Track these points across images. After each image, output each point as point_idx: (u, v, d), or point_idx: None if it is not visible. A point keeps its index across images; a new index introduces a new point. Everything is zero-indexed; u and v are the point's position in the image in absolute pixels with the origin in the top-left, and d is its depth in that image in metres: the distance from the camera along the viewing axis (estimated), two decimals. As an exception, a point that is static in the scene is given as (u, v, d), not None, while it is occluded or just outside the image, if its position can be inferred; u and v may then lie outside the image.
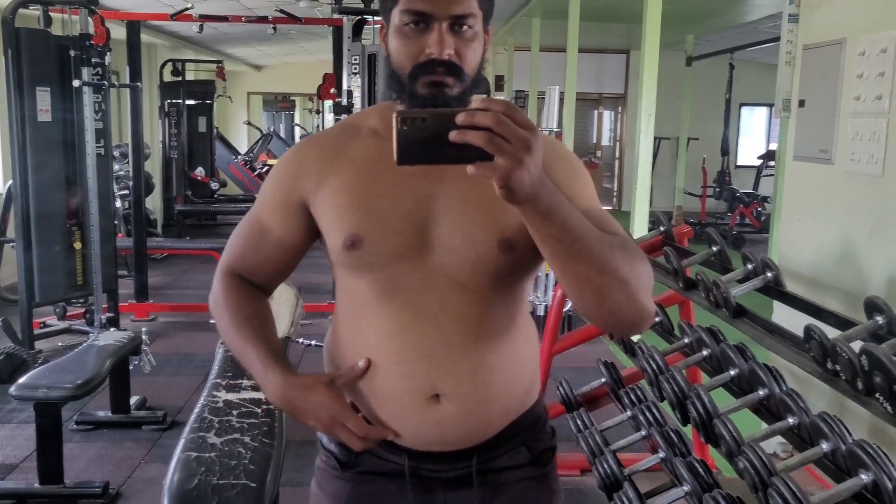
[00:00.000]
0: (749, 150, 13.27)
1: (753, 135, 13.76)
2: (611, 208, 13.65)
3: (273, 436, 2.28)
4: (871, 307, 1.62)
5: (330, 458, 1.33)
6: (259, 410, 2.38)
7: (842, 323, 1.74)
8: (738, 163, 13.09)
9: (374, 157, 1.22)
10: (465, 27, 1.13)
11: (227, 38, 9.91)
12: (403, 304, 1.19)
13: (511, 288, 1.24)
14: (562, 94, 6.36)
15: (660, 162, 12.01)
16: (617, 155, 14.34)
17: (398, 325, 1.20)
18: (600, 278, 1.02)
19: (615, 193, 14.11)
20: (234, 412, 2.35)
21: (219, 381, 2.63)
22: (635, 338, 2.53)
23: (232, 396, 2.46)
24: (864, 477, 1.43)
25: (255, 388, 2.50)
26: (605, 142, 15.10)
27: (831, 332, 1.65)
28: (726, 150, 11.51)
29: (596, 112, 14.91)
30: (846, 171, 2.32)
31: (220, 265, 1.35)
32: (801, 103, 2.61)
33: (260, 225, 1.30)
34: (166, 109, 10.08)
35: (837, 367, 1.54)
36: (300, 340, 4.86)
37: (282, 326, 2.96)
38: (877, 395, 1.41)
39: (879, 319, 1.60)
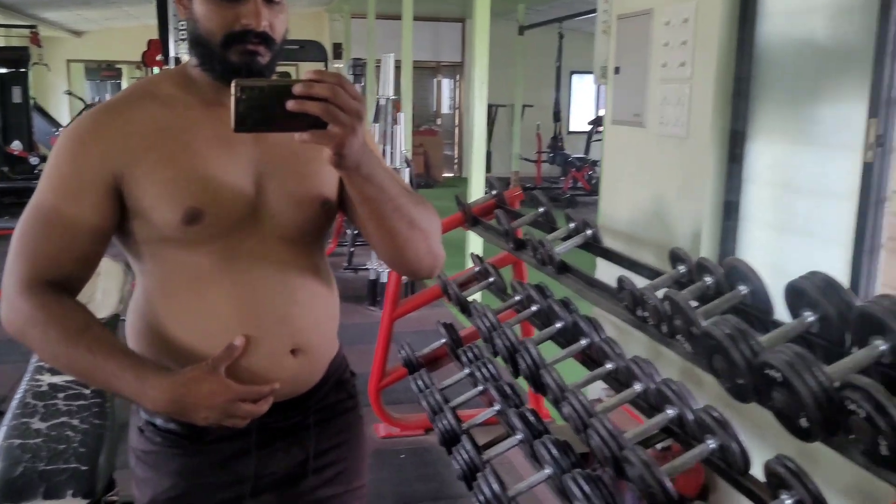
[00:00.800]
0: (580, 116, 13.84)
1: (584, 101, 14.36)
2: (452, 175, 13.88)
3: (105, 416, 2.19)
4: (675, 258, 1.77)
5: (168, 438, 1.28)
6: (87, 391, 2.28)
7: (652, 274, 1.89)
8: (571, 129, 13.64)
9: (188, 125, 1.21)
10: (276, 0, 1.17)
11: (42, 1, 9.19)
12: (248, 269, 1.22)
13: (322, 242, 1.36)
14: (398, 62, 6.38)
15: (497, 129, 12.34)
16: (456, 122, 14.56)
17: (246, 290, 1.22)
18: (409, 231, 1.18)
19: (456, 160, 14.35)
20: (61, 395, 2.24)
21: (41, 364, 2.49)
22: (470, 298, 2.63)
23: (57, 379, 2.34)
24: (670, 411, 1.57)
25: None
26: (444, 110, 15.29)
27: (641, 282, 1.78)
28: (558, 116, 11.98)
29: (435, 80, 15.06)
30: (657, 134, 2.49)
31: (13, 281, 1.17)
32: (617, 70, 2.77)
33: (61, 217, 1.17)
34: (-27, 79, 9.26)
35: (646, 314, 1.67)
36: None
37: (110, 304, 2.84)
38: (678, 336, 1.54)
39: (681, 268, 1.75)
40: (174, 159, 1.17)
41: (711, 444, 1.43)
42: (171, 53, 4.96)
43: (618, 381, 1.85)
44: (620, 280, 1.77)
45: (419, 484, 3.01)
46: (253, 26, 1.14)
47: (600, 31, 2.90)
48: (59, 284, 1.18)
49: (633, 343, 1.88)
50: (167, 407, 1.14)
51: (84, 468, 1.99)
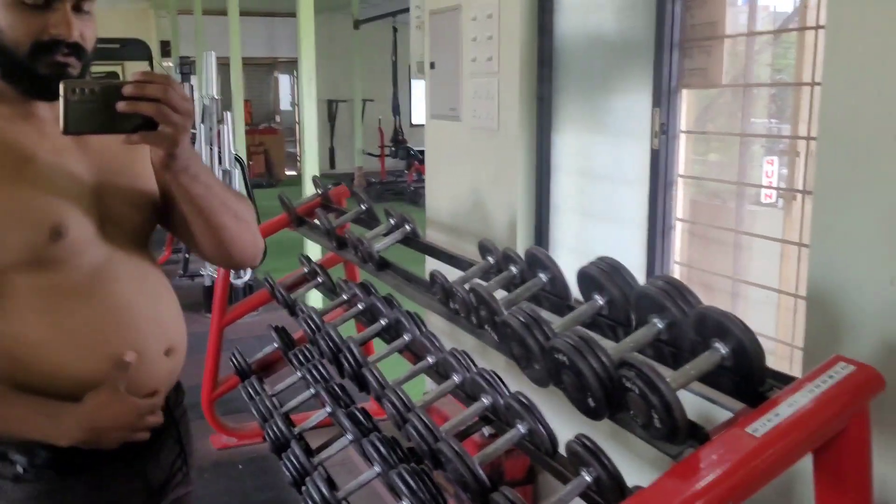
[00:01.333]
0: (422, 110, 13.94)
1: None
2: (296, 173, 13.67)
3: None
4: (483, 249, 1.81)
5: (62, 470, 1.19)
6: None
7: (469, 266, 1.93)
8: (414, 121, 13.75)
9: (20, 139, 1.13)
10: (86, 9, 1.14)
11: None
12: (111, 277, 1.20)
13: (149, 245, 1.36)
14: (227, 59, 6.20)
15: (339, 124, 12.27)
16: (297, 119, 14.34)
17: (117, 299, 1.20)
18: (236, 224, 1.24)
19: (298, 158, 14.13)
20: None
21: None
22: (315, 300, 2.59)
23: None
24: (485, 400, 1.61)
25: None
26: (284, 106, 15.04)
27: (453, 273, 1.82)
28: (397, 110, 12.05)
29: (272, 77, 14.78)
30: (471, 127, 2.55)
31: None
32: (433, 65, 2.81)
33: None
34: None
35: (457, 306, 1.70)
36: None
37: None
38: (485, 326, 1.58)
39: (490, 259, 1.80)
40: (22, 176, 1.10)
41: (521, 428, 1.47)
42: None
43: (438, 374, 1.88)
44: (432, 274, 1.80)
45: (257, 494, 2.95)
46: (63, 36, 1.09)
47: (414, 26, 2.93)
48: None
49: (460, 335, 1.92)
50: (84, 436, 1.14)
51: None
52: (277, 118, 14.71)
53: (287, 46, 13.62)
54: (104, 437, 1.16)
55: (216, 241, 1.25)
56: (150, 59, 8.13)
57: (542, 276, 1.58)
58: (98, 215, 1.19)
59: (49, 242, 1.11)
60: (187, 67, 8.52)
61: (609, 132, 2.10)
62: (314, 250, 4.57)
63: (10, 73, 1.11)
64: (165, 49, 11.66)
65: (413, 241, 2.25)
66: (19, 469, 1.16)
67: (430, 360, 1.89)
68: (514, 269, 1.69)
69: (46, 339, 1.15)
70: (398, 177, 11.99)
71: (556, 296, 1.56)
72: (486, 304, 1.53)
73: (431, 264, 2.60)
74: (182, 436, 1.42)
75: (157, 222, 1.33)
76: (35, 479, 1.17)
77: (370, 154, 12.20)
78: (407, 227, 2.23)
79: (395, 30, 11.37)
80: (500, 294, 1.56)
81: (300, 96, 4.82)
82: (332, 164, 12.45)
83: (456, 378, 1.75)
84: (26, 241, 1.10)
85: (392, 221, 2.29)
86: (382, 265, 2.20)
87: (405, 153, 11.56)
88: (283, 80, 14.86)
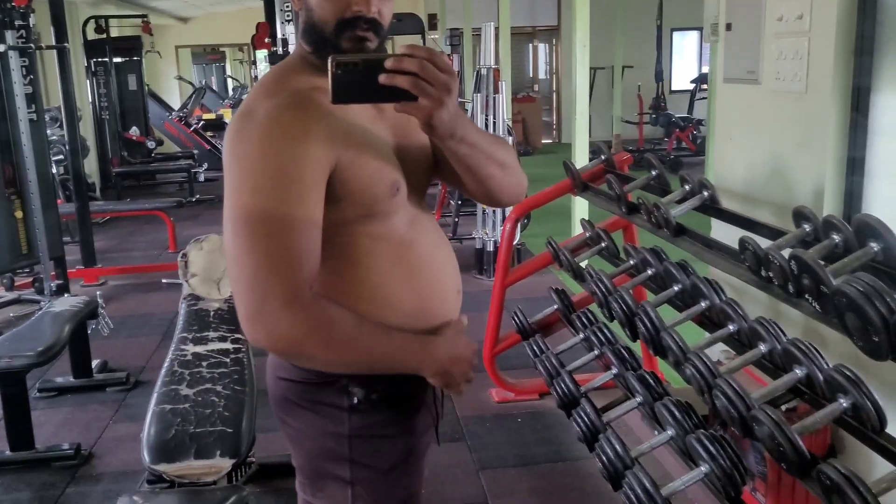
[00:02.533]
0: (683, 75, 13.44)
1: (686, 59, 13.92)
2: (551, 141, 13.76)
3: (244, 383, 2.34)
4: (799, 216, 1.74)
5: (390, 404, 1.35)
6: (228, 360, 2.44)
7: (773, 233, 1.86)
8: (673, 88, 13.27)
9: (355, 111, 1.25)
10: None
11: (151, -10, 9.59)
12: (422, 226, 1.36)
13: None
14: (496, 29, 6.37)
15: (597, 92, 12.12)
16: (554, 88, 14.39)
17: (429, 244, 1.36)
18: (502, 172, 1.33)
19: (554, 126, 14.21)
20: (204, 363, 2.41)
21: (185, 334, 2.67)
22: (583, 263, 2.64)
23: (200, 349, 2.51)
24: (799, 371, 1.56)
25: (222, 339, 2.56)
26: (541, 75, 15.13)
27: (764, 243, 1.76)
28: (660, 76, 11.67)
29: (531, 45, 14.90)
30: (773, 91, 2.43)
31: (271, 298, 1.14)
32: (728, 27, 2.70)
33: (302, 221, 1.16)
34: (93, 69, 9.76)
35: (770, 274, 1.66)
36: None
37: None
38: (806, 296, 1.53)
39: (807, 227, 1.72)
40: (369, 140, 1.26)
41: (844, 402, 1.42)
42: (279, 35, 5.11)
43: (740, 342, 1.84)
44: (742, 241, 1.76)
45: (538, 447, 3.07)
46: (363, 12, 1.21)
47: (710, -14, 2.83)
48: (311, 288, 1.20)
49: (748, 306, 1.86)
50: (446, 366, 1.30)
51: (229, 430, 2.14)
52: (535, 87, 14.85)
53: (545, 15, 13.66)
54: (455, 370, 1.31)
55: (484, 189, 1.35)
56: (421, 32, 8.54)
57: (873, 246, 1.50)
58: (405, 173, 1.32)
59: (389, 197, 1.26)
60: (456, 39, 8.84)
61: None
62: (582, 213, 4.60)
63: (320, 48, 1.25)
64: (432, 22, 12.15)
65: (710, 208, 2.20)
66: (355, 400, 1.32)
67: (732, 327, 1.86)
68: (836, 238, 1.61)
69: (384, 282, 1.29)
70: (656, 144, 11.67)
71: (889, 267, 1.47)
72: (812, 272, 1.48)
73: (719, 232, 2.54)
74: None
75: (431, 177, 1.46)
76: (368, 410, 1.33)
77: (628, 122, 11.97)
78: (705, 192, 2.19)
79: (660, -8, 11.02)
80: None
81: (574, 64, 4.83)
82: (589, 132, 12.42)
83: (763, 347, 1.71)
84: (375, 196, 1.25)
85: (687, 187, 2.26)
86: (679, 231, 2.18)
87: (666, 120, 11.21)
88: (541, 49, 14.94)
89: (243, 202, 1.15)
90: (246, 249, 1.15)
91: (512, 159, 1.36)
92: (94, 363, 3.91)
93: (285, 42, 5.04)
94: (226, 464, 2.05)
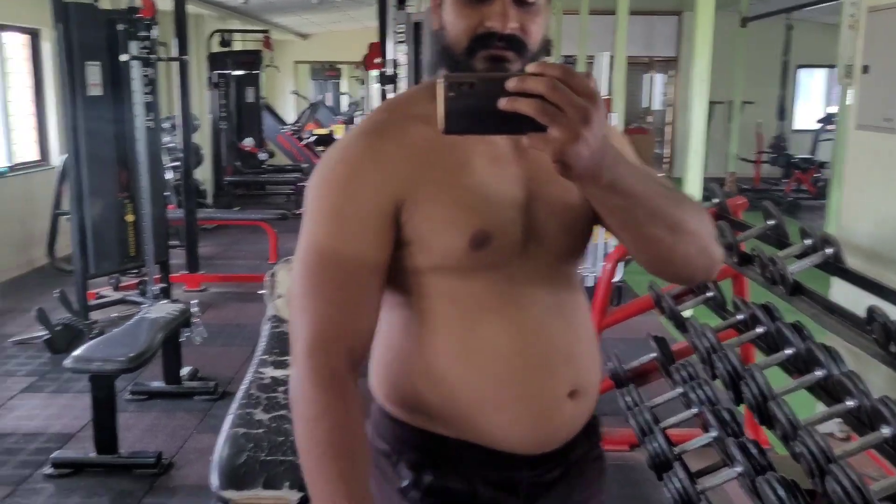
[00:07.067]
0: (807, 114, 12.87)
1: (811, 98, 13.34)
2: (662, 175, 13.39)
3: (320, 413, 2.28)
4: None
5: (437, 499, 1.15)
6: (306, 387, 2.39)
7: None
8: (795, 127, 12.72)
9: (458, 142, 1.08)
10: (530, 0, 1.05)
11: (274, 6, 9.90)
12: (526, 299, 1.11)
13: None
14: (611, 58, 6.22)
15: (713, 127, 11.71)
16: (668, 120, 14.03)
17: (528, 323, 1.11)
18: (672, 237, 1.00)
19: (666, 160, 13.84)
20: (281, 388, 2.36)
21: (265, 357, 2.65)
22: (686, 313, 2.48)
23: (278, 373, 2.47)
24: (931, 464, 1.37)
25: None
26: (655, 106, 14.79)
27: (893, 311, 1.57)
28: (782, 113, 11.19)
29: (646, 76, 14.60)
30: (915, 141, 2.22)
31: (304, 345, 1.04)
32: (865, 69, 2.49)
33: (346, 263, 1.05)
34: (215, 80, 10.13)
35: (903, 351, 1.47)
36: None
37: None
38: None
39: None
40: (456, 180, 1.07)
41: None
42: (389, 56, 5.12)
43: (859, 420, 1.65)
44: (871, 310, 1.57)
45: (623, 501, 2.89)
46: (497, 28, 1.03)
47: (846, 25, 2.61)
48: (349, 350, 1.06)
49: (870, 379, 1.67)
50: None
51: (299, 462, 2.07)
52: (649, 118, 14.52)
53: (664, 45, 13.36)
54: None
55: (647, 256, 1.05)
56: (548, 56, 8.46)
57: None
58: (523, 228, 1.10)
59: (470, 250, 1.06)
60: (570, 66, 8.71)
61: None
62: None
63: (452, 70, 1.07)
64: (546, 48, 12.06)
65: (832, 266, 2.01)
66: (404, 483, 1.14)
67: (851, 403, 1.66)
68: None
69: (441, 348, 1.11)
70: (773, 185, 11.17)
71: None
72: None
73: (840, 292, 2.32)
74: (574, 493, 1.23)
75: (587, 240, 1.18)
76: (416, 497, 1.14)
77: (744, 159, 11.52)
78: (829, 249, 1.99)
79: (788, 27, 10.57)
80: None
81: (690, 97, 4.63)
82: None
83: (886, 430, 1.52)
84: (449, 245, 1.06)
85: (808, 242, 2.07)
86: (795, 289, 1.99)
87: (785, 160, 10.72)
88: (657, 80, 14.61)
89: (306, 239, 1.08)
90: (299, 288, 1.08)
91: (694, 222, 1.03)
92: (185, 371, 3.97)
93: (395, 63, 5.04)
94: (293, 496, 1.98)
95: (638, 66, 13.90)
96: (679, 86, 13.21)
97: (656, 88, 14.70)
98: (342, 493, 1.00)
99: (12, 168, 6.50)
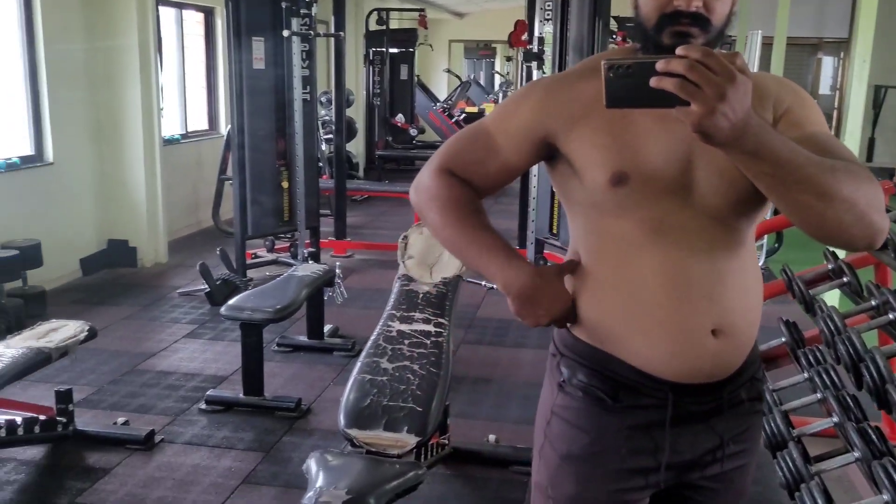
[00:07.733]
0: None
1: None
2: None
3: (440, 366, 2.42)
4: None
5: (589, 396, 1.32)
6: (428, 342, 2.53)
7: None
8: None
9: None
10: None
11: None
12: (675, 243, 1.24)
13: (753, 225, 1.31)
14: (770, 38, 5.96)
15: (886, 113, 10.95)
16: (835, 105, 13.21)
17: (674, 263, 1.24)
18: (822, 203, 1.06)
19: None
20: (406, 342, 2.52)
21: (393, 312, 2.81)
22: (827, 297, 2.41)
23: (404, 327, 2.63)
24: None
25: (426, 321, 2.66)
26: (823, 90, 13.95)
27: None
28: (965, 100, 10.28)
29: (814, 58, 13.79)
30: None
31: (434, 163, 1.36)
32: None
33: (489, 141, 1.32)
34: (371, 57, 10.50)
35: None
36: (482, 283, 5.02)
37: (454, 265, 3.09)
38: None
39: None
40: (609, 128, 1.23)
41: None
42: (536, 33, 5.16)
43: None
44: None
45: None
46: (683, 7, 1.15)
47: None
48: (465, 180, 1.35)
49: None
50: (517, 292, 1.25)
51: (419, 409, 2.22)
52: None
53: (835, 25, 12.55)
54: (528, 306, 1.26)
55: (796, 217, 1.11)
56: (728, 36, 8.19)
57: None
58: (678, 179, 1.22)
59: (610, 186, 1.21)
60: (727, 46, 8.41)
61: None
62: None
63: (644, 44, 1.23)
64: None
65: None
66: (562, 378, 1.34)
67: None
68: None
69: (600, 278, 1.27)
70: (951, 177, 10.31)
71: None
72: None
73: None
74: (723, 430, 1.33)
75: (759, 204, 1.25)
76: (571, 392, 1.33)
77: (919, 149, 10.70)
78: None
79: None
80: None
81: (849, 79, 4.40)
82: (870, 157, 11.24)
83: None
84: (594, 180, 1.23)
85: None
86: (930, 274, 1.92)
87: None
88: (826, 62, 13.76)
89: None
90: (454, 135, 1.41)
91: (848, 190, 1.06)
92: (327, 328, 4.23)
93: (541, 40, 5.08)
94: (411, 440, 2.13)
95: (805, 48, 13.15)
96: (848, 69, 12.39)
97: (825, 71, 13.85)
98: (500, 247, 1.29)
99: (185, 136, 7.05)
